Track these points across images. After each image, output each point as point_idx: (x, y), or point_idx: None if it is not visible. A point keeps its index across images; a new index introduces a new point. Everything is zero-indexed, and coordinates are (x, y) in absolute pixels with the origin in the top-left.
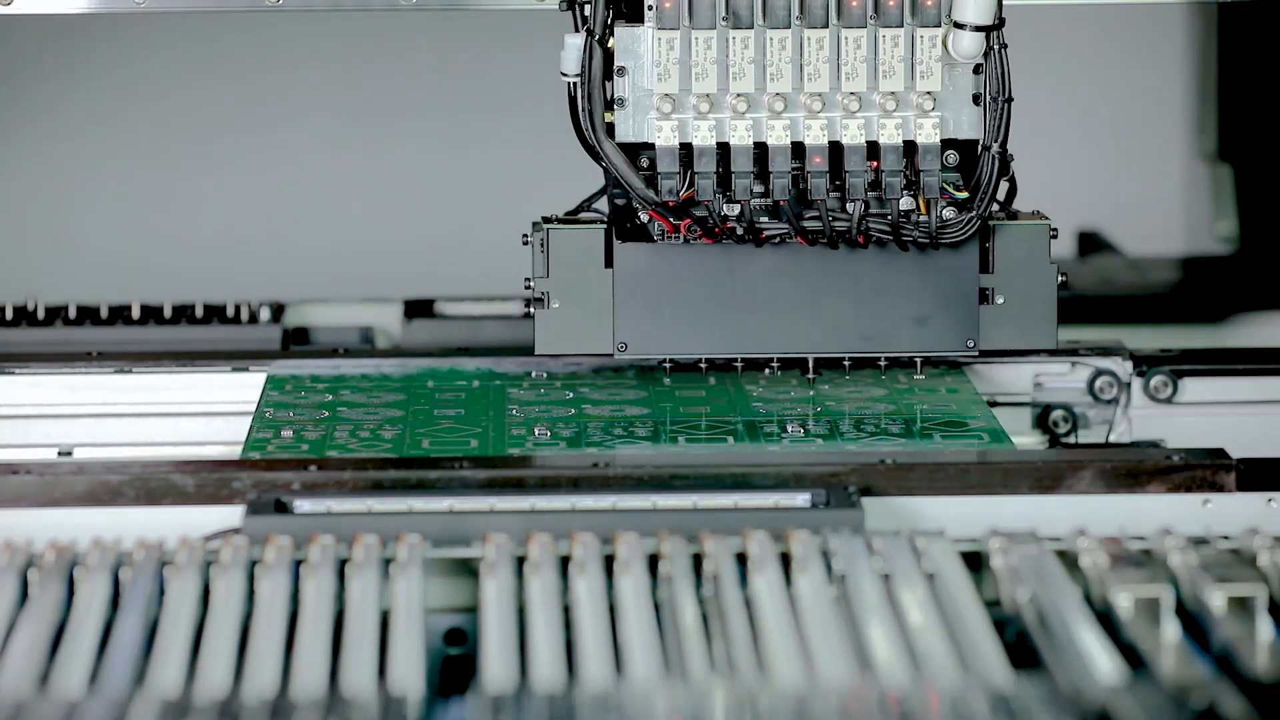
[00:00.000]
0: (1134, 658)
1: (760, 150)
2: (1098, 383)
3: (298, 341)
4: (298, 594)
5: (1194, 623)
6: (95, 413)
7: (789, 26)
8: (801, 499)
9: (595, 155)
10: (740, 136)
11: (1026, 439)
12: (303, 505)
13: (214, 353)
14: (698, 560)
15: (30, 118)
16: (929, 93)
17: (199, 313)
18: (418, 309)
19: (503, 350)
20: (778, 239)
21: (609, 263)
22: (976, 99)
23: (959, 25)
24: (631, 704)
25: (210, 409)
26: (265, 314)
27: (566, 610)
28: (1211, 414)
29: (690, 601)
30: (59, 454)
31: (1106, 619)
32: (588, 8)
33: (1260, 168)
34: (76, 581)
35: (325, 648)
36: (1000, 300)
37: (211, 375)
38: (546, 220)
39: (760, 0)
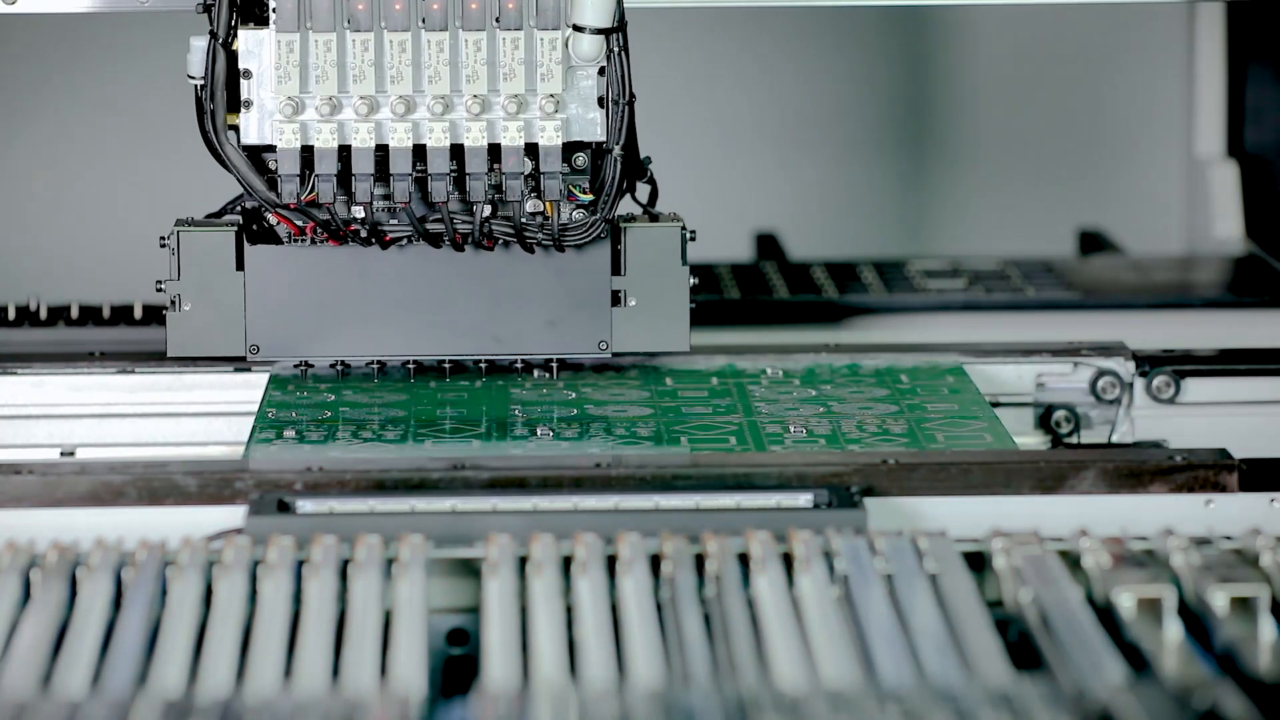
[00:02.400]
0: (1136, 658)
1: (382, 152)
2: (1100, 383)
3: None
4: (300, 594)
5: (1196, 623)
6: (98, 413)
7: (408, 30)
8: (804, 499)
9: (220, 159)
10: (362, 139)
11: (1029, 439)
12: (305, 505)
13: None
14: (700, 561)
15: (32, 116)
16: (551, 95)
17: None
18: None
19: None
20: (404, 240)
21: (240, 265)
22: (601, 102)
23: (578, 28)
24: (633, 705)
25: (213, 409)
26: None
27: (569, 610)
28: (1214, 414)
29: (692, 602)
30: (61, 454)
31: (1109, 619)
32: (215, 10)
33: (1264, 166)
34: (79, 582)
35: (327, 648)
36: (633, 302)
37: (214, 375)
38: (181, 222)
39: (379, 4)
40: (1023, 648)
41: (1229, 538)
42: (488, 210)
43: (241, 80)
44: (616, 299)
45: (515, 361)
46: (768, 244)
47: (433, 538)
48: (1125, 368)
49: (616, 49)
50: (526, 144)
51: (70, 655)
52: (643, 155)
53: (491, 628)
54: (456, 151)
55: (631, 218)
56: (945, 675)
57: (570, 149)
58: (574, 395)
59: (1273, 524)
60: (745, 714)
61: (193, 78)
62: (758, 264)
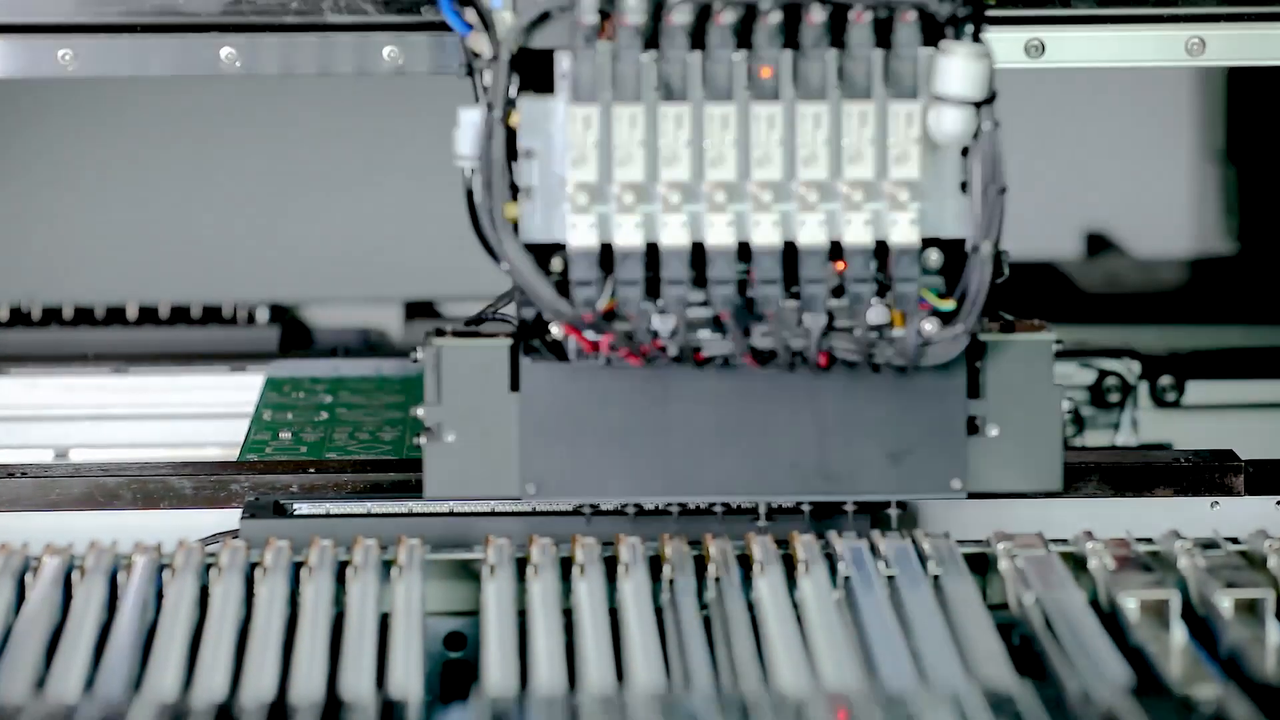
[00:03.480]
0: (1141, 662)
1: (698, 252)
2: (1105, 385)
3: (296, 343)
4: (296, 597)
5: (1202, 626)
6: (92, 414)
7: (732, 98)
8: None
9: (496, 256)
10: (673, 235)
11: None
12: (301, 508)
13: (211, 354)
14: (700, 563)
15: (28, 119)
16: (905, 181)
17: (196, 314)
18: (419, 310)
19: None
20: (720, 360)
21: (515, 386)
22: (964, 187)
23: (942, 99)
24: (633, 709)
25: (208, 411)
26: (263, 315)
27: (567, 614)
28: (1219, 416)
29: (692, 605)
30: (55, 456)
31: (1113, 622)
32: (488, 73)
33: (1269, 168)
34: (73, 585)
35: (324, 651)
36: (994, 432)
37: (209, 376)
38: (440, 333)
39: (698, 67)
40: (1026, 651)
41: (1235, 540)
42: (823, 322)
43: (522, 161)
44: (972, 427)
45: (845, 503)
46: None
47: (430, 540)
48: (1130, 369)
49: (988, 124)
50: (877, 240)
51: (65, 658)
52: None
53: (490, 631)
54: (789, 250)
55: (998, 327)
56: (948, 679)
57: (929, 246)
58: None
59: (1279, 526)
60: (746, 718)
61: (464, 158)
62: None
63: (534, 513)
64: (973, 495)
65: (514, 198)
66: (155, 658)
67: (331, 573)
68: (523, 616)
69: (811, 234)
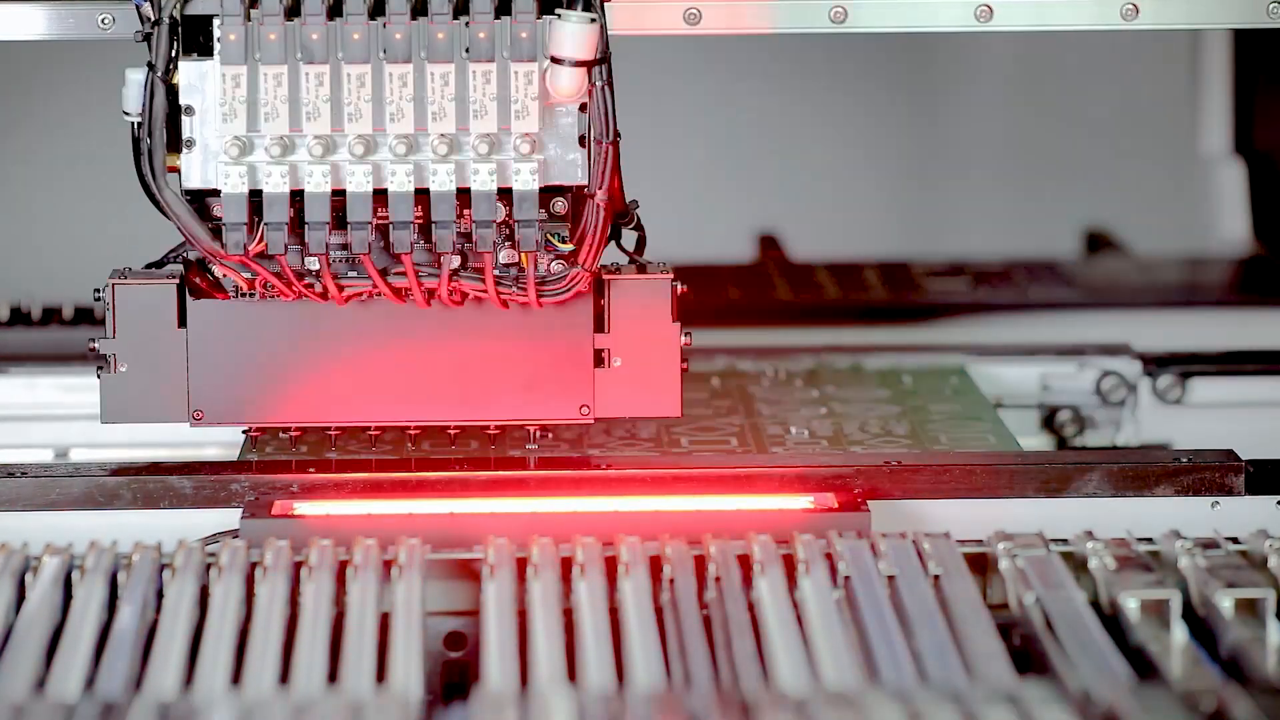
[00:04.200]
0: (1142, 662)
1: (340, 198)
2: (1105, 384)
3: None
4: (296, 597)
5: (1203, 626)
6: (92, 414)
7: (368, 61)
8: (805, 501)
9: (158, 205)
10: (316, 183)
11: (1033, 441)
12: (301, 508)
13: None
14: (700, 563)
15: (27, 117)
16: (526, 134)
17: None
18: None
19: None
20: (364, 295)
21: (182, 322)
22: (582, 141)
23: (557, 60)
24: (633, 708)
25: None
26: None
27: (568, 614)
28: (1220, 415)
29: (693, 605)
30: (55, 455)
31: (1114, 622)
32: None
33: (1271, 165)
34: (73, 585)
35: (324, 651)
36: (618, 363)
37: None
38: (117, 273)
39: (336, 33)
40: (1027, 651)
41: (1235, 540)
42: (456, 262)
43: (183, 117)
44: (599, 359)
45: (489, 426)
46: (769, 244)
47: (430, 540)
48: (1131, 368)
49: (600, 83)
50: (500, 188)
51: (65, 658)
52: (629, 198)
53: (490, 631)
54: (421, 196)
55: (617, 268)
56: (948, 679)
57: (548, 193)
58: None
59: (1279, 526)
60: (746, 718)
61: (128, 114)
62: (759, 264)
63: (534, 513)
64: (599, 419)
65: (175, 150)
66: (155, 657)
67: (331, 572)
68: (523, 616)
69: (441, 182)
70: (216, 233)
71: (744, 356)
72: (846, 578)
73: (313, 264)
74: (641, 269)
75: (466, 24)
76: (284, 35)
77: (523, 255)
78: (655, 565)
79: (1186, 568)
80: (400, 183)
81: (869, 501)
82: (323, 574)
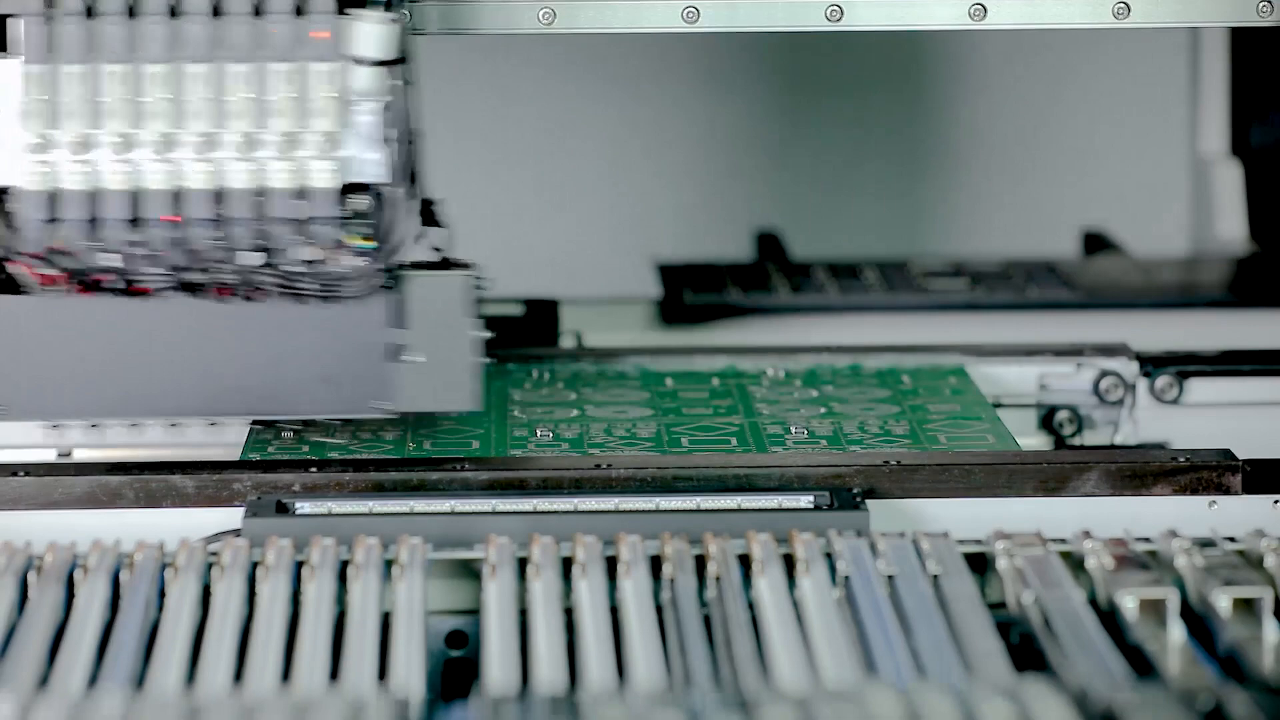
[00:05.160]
0: (1140, 660)
1: (137, 195)
2: (1103, 384)
3: None
4: (298, 596)
5: (1200, 625)
6: None
7: (167, 62)
8: (805, 500)
9: None
10: (115, 180)
11: (1031, 440)
12: (303, 507)
13: None
14: (701, 562)
15: None
16: (326, 133)
17: None
18: None
19: (505, 351)
20: (166, 291)
21: None
22: (386, 140)
23: (357, 60)
24: (634, 707)
25: None
26: None
27: (568, 613)
28: (1218, 415)
29: (693, 604)
30: (58, 455)
31: (1112, 621)
32: None
33: (1268, 166)
34: (76, 584)
35: (326, 650)
36: (415, 357)
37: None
38: None
39: (132, 33)
40: (1025, 650)
41: (1233, 539)
42: (256, 259)
43: None
44: (397, 354)
45: (280, 424)
46: (769, 244)
47: (432, 539)
48: (1128, 368)
49: (400, 82)
50: (299, 186)
51: (68, 657)
52: (432, 197)
53: (491, 630)
54: (220, 195)
55: (425, 266)
56: (947, 677)
57: (350, 192)
58: (575, 395)
59: (1277, 525)
60: (747, 716)
61: None
62: (759, 264)
63: (536, 512)
64: (401, 414)
65: None
66: (157, 657)
67: (333, 572)
68: (524, 615)
69: (240, 180)
70: (14, 229)
71: (744, 356)
72: (846, 577)
73: (111, 260)
74: (446, 266)
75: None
76: (84, 34)
77: (321, 251)
78: (655, 564)
79: (1184, 567)
80: (200, 181)
81: (868, 501)
82: (324, 573)
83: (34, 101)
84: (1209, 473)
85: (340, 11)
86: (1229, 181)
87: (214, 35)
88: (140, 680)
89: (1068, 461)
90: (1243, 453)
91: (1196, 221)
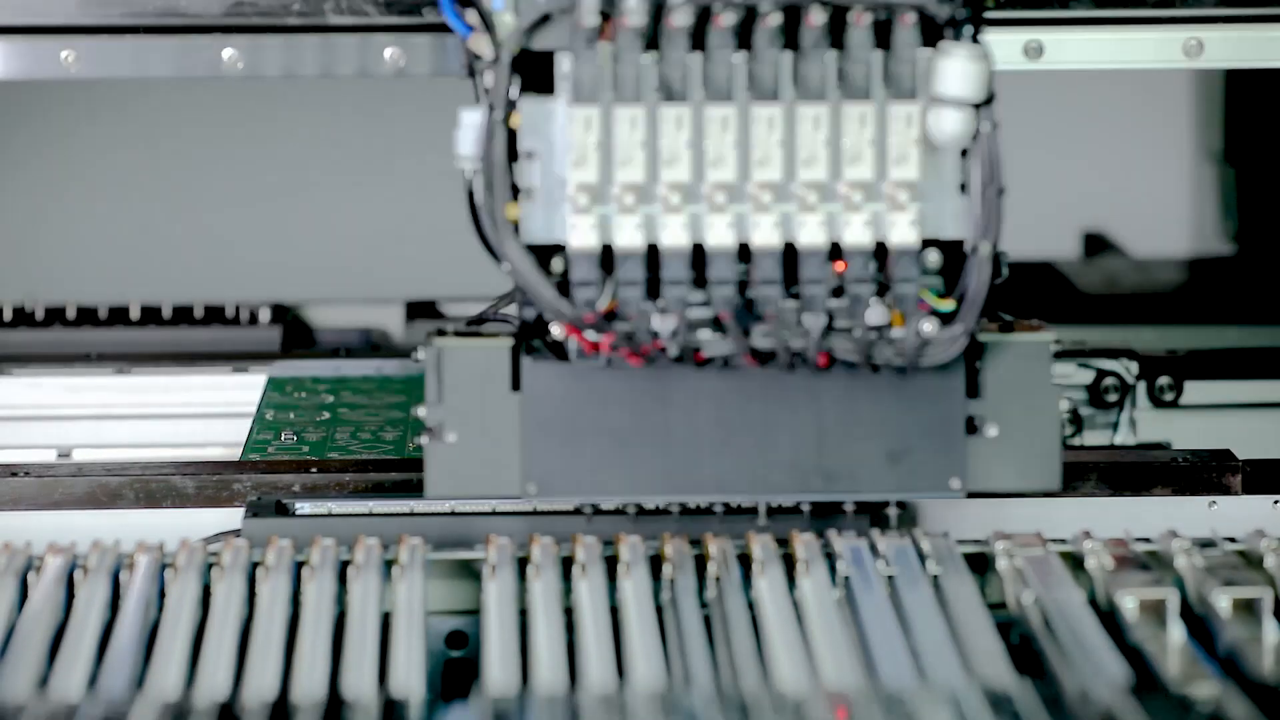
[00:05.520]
0: (1139, 661)
1: (698, 253)
2: (1103, 384)
3: (298, 343)
4: (298, 596)
5: (1200, 625)
6: (94, 414)
7: (732, 100)
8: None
9: (497, 256)
10: (674, 235)
11: None
12: (303, 507)
13: (214, 354)
14: (701, 562)
15: (30, 119)
16: (904, 181)
17: (199, 314)
18: (420, 310)
19: None
20: (720, 361)
21: (516, 386)
22: (963, 188)
23: (941, 100)
24: (633, 707)
25: (210, 411)
26: (266, 315)
27: (568, 613)
28: (1217, 416)
29: (693, 604)
30: (58, 456)
31: (1112, 621)
32: (489, 75)
33: (1267, 169)
34: (76, 584)
35: (326, 650)
36: (992, 432)
37: (211, 376)
38: (442, 333)
39: (698, 68)
40: (1025, 650)
41: (1232, 540)
42: (823, 322)
43: (523, 163)
44: (971, 427)
45: (845, 503)
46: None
47: (432, 539)
48: (1128, 369)
49: (987, 125)
50: (878, 241)
51: (67, 657)
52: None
53: (491, 630)
54: (789, 251)
55: (989, 325)
56: (947, 678)
57: (922, 246)
58: None
59: (1276, 526)
60: (746, 717)
61: (465, 159)
62: None
63: (535, 512)
64: (972, 495)
65: (515, 198)
66: (158, 657)
67: (333, 572)
68: (524, 615)
69: (811, 235)
70: (561, 290)
71: None
72: (846, 577)
73: (667, 325)
74: (1008, 327)
75: (839, 57)
76: (637, 70)
77: (895, 315)
78: (655, 565)
79: (1184, 567)
80: (765, 236)
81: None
82: (324, 573)
83: (583, 148)
84: (1209, 473)
85: (926, 44)
86: (1228, 183)
87: (785, 71)
88: (140, 681)
89: (1068, 462)
90: (1242, 453)
91: (1197, 223)
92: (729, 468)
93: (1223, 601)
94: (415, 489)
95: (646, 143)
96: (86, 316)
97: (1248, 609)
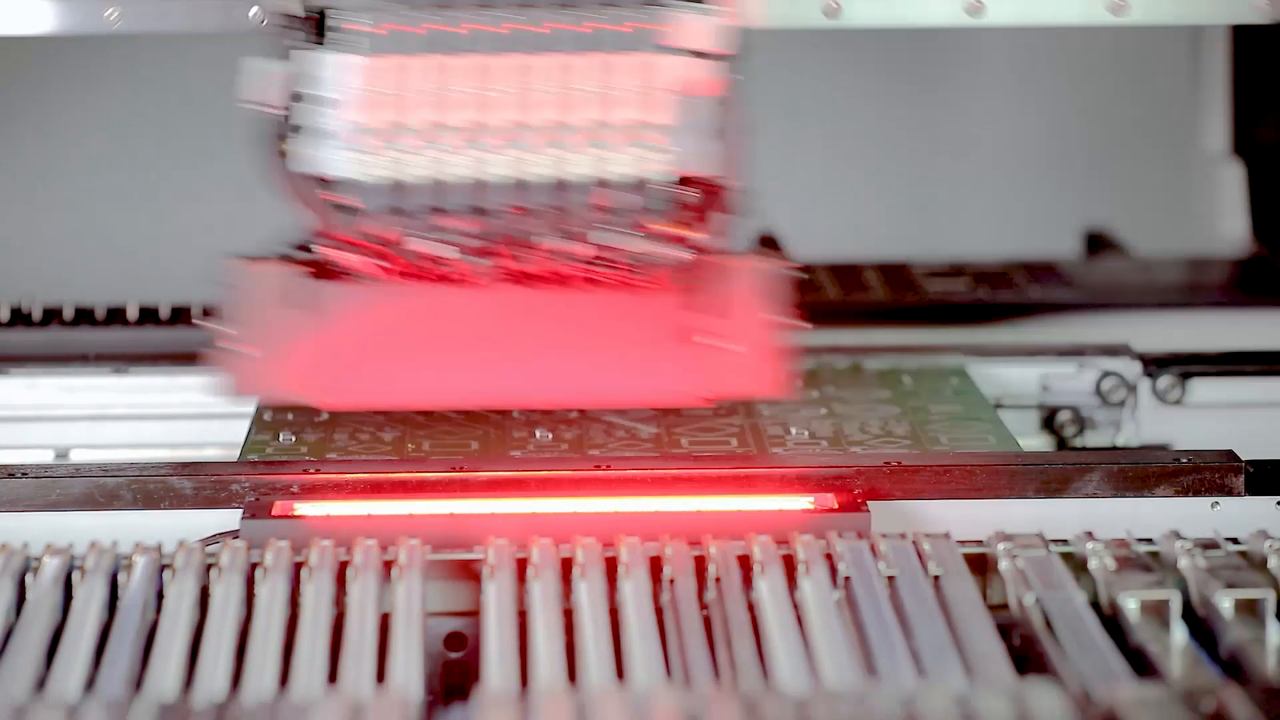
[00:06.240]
0: (1142, 662)
1: (474, 186)
2: (1105, 384)
3: None
4: (296, 598)
5: (1202, 627)
6: (92, 415)
7: (511, 53)
8: (805, 502)
9: (287, 191)
10: (452, 170)
11: (1033, 441)
12: (302, 508)
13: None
14: (701, 564)
15: (30, 118)
16: (661, 125)
17: (197, 314)
18: None
19: None
20: (495, 281)
21: (309, 304)
22: (714, 132)
23: (692, 54)
24: (633, 708)
25: (208, 411)
26: None
27: (568, 614)
28: (1220, 416)
29: (693, 605)
30: (56, 456)
31: (1114, 623)
32: (287, 30)
33: (1271, 166)
34: (74, 585)
35: (324, 652)
36: (735, 346)
37: (210, 377)
38: (243, 258)
39: (472, 21)
40: (1026, 651)
41: (1235, 540)
42: (587, 248)
43: (313, 107)
44: (716, 341)
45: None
46: (769, 244)
47: (430, 541)
48: (1130, 369)
49: (734, 76)
50: (634, 177)
51: (65, 659)
52: (747, 187)
53: (490, 631)
54: (558, 185)
55: (731, 253)
56: (948, 679)
57: (679, 183)
58: None
59: (1279, 527)
60: (747, 718)
61: (260, 103)
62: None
63: (534, 514)
64: (711, 398)
65: (304, 138)
66: (155, 658)
67: (331, 573)
68: (523, 617)
69: (578, 170)
70: (346, 218)
71: None
72: (846, 578)
73: (444, 250)
74: (758, 255)
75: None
76: (415, 23)
77: (654, 242)
78: (655, 566)
79: (1186, 568)
80: (538, 170)
81: (869, 502)
82: (323, 574)
83: (368, 93)
84: (1211, 474)
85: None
86: (1231, 181)
87: (557, 28)
88: (138, 682)
89: (1070, 462)
90: (1245, 454)
91: (1199, 221)
92: (505, 377)
93: (1225, 603)
94: (414, 490)
95: (430, 89)
96: (84, 317)
97: (1250, 610)
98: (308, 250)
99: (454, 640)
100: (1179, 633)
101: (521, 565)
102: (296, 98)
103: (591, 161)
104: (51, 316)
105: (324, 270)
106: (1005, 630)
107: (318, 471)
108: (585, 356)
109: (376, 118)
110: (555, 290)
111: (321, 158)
